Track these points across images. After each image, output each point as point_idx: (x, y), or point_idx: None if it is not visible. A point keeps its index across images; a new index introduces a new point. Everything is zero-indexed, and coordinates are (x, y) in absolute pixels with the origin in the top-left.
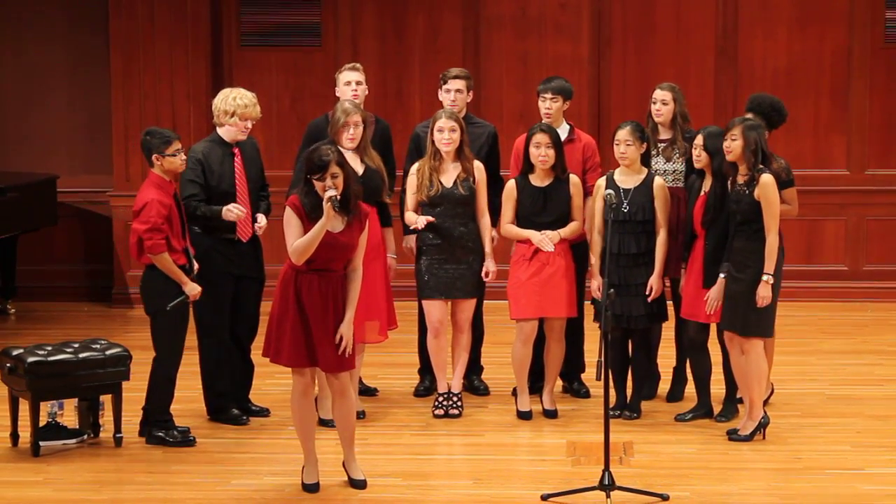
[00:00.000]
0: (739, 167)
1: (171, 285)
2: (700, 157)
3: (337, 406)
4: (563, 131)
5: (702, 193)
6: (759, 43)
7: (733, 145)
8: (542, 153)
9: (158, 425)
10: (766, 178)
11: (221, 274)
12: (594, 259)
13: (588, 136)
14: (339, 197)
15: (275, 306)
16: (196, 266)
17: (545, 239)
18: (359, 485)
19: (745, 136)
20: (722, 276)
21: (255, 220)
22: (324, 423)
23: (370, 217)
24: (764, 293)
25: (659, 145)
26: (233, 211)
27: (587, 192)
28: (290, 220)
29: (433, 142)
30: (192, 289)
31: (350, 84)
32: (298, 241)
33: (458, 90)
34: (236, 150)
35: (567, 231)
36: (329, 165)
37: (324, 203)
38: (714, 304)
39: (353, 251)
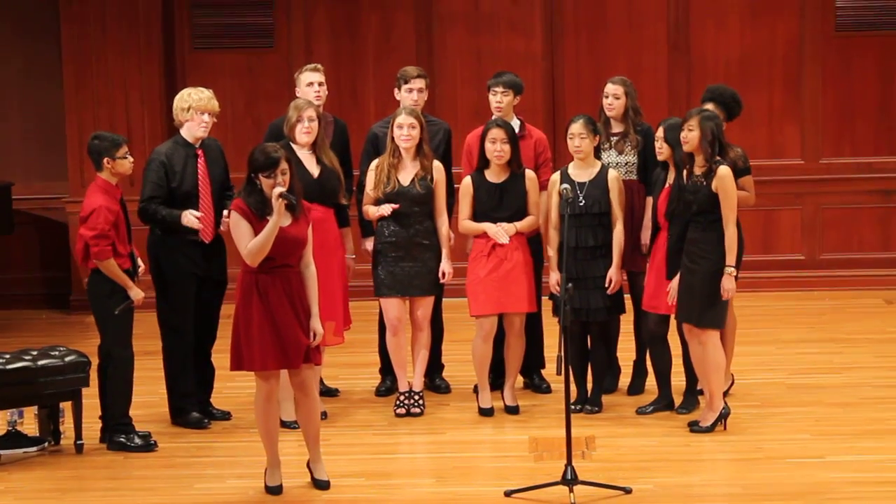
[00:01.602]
0: (696, 158)
1: (117, 288)
2: (662, 150)
3: (301, 405)
4: (514, 127)
5: (666, 185)
6: (711, 34)
7: (690, 136)
8: (497, 148)
9: (119, 429)
10: (724, 171)
11: (185, 275)
12: (551, 253)
13: (539, 131)
14: (292, 195)
15: (239, 316)
16: (141, 268)
17: (500, 231)
18: (322, 485)
19: (701, 127)
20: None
21: (218, 219)
22: (285, 424)
23: (327, 218)
24: (728, 286)
25: (612, 139)
26: (190, 218)
27: (541, 186)
28: (239, 223)
29: (393, 138)
30: (137, 294)
31: (313, 85)
32: (252, 242)
33: (419, 89)
34: (200, 152)
35: (523, 224)
36: (279, 162)
37: (274, 200)
38: (675, 294)
39: (305, 244)
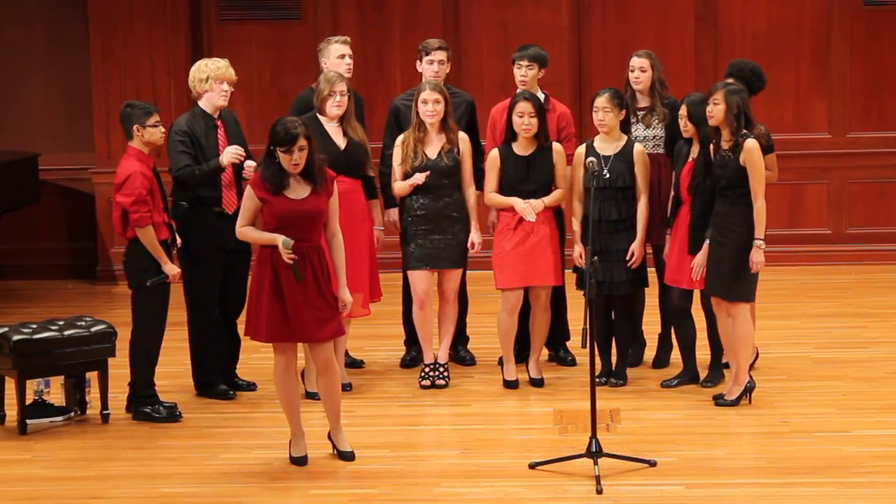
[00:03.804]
0: (723, 132)
1: (154, 260)
2: (687, 128)
3: (321, 379)
4: (541, 99)
5: (689, 159)
6: (739, 7)
7: (716, 110)
8: (525, 122)
9: (143, 401)
10: (751, 144)
11: (212, 248)
12: (576, 226)
13: (563, 105)
14: (297, 261)
15: (253, 284)
16: (179, 240)
17: (528, 208)
18: (347, 456)
19: (727, 101)
20: (707, 242)
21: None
22: (310, 395)
23: (354, 190)
24: (757, 259)
25: (638, 113)
26: (230, 152)
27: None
28: (248, 199)
29: (418, 113)
30: (171, 269)
31: (344, 57)
32: (248, 230)
33: (440, 61)
34: (219, 123)
35: (551, 199)
36: (297, 138)
37: (282, 249)
38: (700, 270)
39: (323, 217)
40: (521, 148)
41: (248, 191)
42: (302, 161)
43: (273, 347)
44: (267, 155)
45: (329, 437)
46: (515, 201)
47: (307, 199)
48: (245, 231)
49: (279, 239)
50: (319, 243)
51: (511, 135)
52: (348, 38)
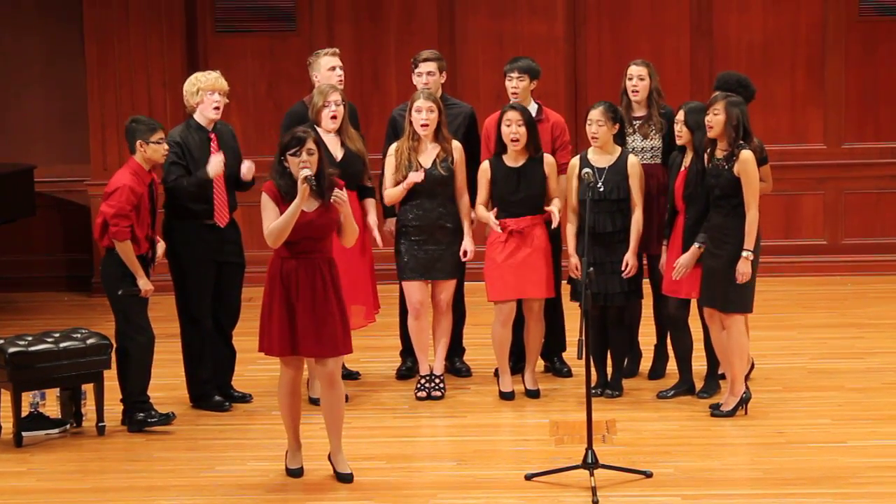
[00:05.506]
0: (719, 142)
1: (128, 273)
2: (682, 133)
3: (325, 396)
4: (531, 111)
5: (682, 169)
6: (735, 18)
7: (715, 120)
8: (513, 132)
9: (137, 407)
10: (746, 155)
11: (204, 260)
12: (570, 238)
13: (557, 115)
14: (314, 177)
15: (264, 300)
16: (159, 253)
17: (493, 221)
18: (345, 478)
19: (727, 112)
20: (696, 245)
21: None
22: (313, 401)
23: (351, 202)
24: (743, 269)
25: (634, 123)
26: (214, 163)
27: (558, 170)
28: (266, 205)
29: (411, 122)
30: (145, 284)
31: (335, 69)
32: (273, 223)
33: (429, 72)
34: (213, 136)
35: (559, 206)
36: (306, 141)
37: (299, 183)
38: (682, 271)
39: (333, 230)
40: (511, 159)
41: (265, 197)
42: (312, 167)
43: (280, 360)
44: (279, 164)
45: (330, 459)
46: (489, 217)
47: (316, 211)
48: (272, 228)
49: (302, 185)
50: (330, 255)
51: (501, 146)
52: (337, 50)
